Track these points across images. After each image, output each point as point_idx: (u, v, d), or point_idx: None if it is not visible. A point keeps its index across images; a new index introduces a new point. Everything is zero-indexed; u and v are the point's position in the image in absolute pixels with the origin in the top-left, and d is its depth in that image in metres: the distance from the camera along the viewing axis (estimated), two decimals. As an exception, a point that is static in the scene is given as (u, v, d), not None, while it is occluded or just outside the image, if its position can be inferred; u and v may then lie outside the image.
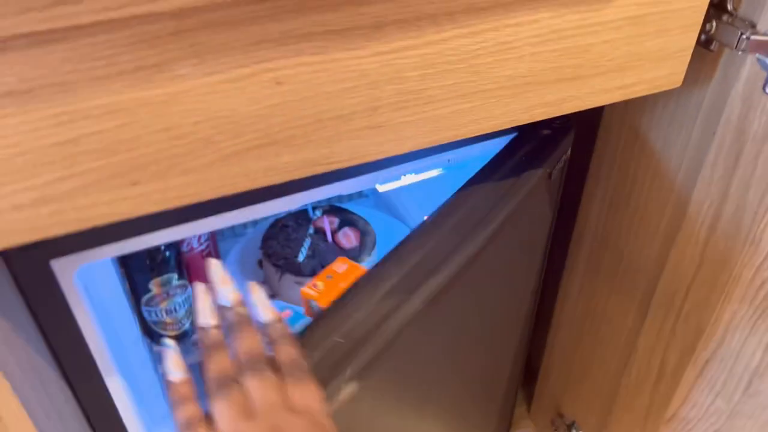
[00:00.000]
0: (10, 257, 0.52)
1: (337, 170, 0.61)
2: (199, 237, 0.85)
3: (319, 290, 0.60)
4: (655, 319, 0.74)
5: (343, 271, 0.70)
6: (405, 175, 0.66)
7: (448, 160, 0.68)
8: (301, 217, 0.94)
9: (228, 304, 0.43)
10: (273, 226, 0.93)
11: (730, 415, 0.69)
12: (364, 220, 0.95)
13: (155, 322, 0.81)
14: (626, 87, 0.55)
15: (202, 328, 0.43)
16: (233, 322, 0.43)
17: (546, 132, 0.68)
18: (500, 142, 0.68)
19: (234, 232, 1.05)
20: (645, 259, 0.74)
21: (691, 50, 0.55)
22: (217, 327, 0.43)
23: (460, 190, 0.61)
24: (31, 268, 0.53)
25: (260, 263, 0.95)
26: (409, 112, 0.47)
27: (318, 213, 0.94)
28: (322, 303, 0.59)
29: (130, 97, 0.38)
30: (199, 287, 0.44)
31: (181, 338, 0.85)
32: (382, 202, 1.10)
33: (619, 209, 0.76)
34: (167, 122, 0.40)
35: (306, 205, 0.94)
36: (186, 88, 0.39)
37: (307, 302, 0.61)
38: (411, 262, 0.56)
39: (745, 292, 0.62)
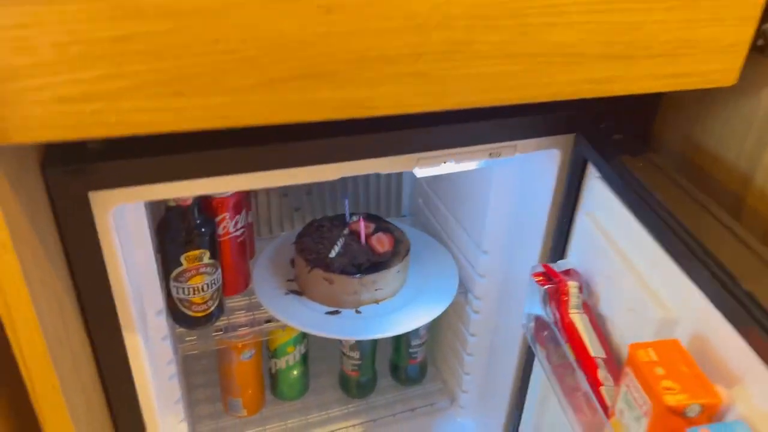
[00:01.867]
0: (50, 182, 0.53)
1: (378, 146, 0.63)
2: (236, 222, 0.86)
3: (678, 389, 0.42)
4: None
5: (662, 357, 0.45)
6: (445, 162, 0.66)
7: (489, 154, 0.67)
8: (337, 219, 0.94)
9: None
10: (309, 225, 0.93)
11: None
12: (400, 230, 0.94)
13: (181, 300, 0.81)
14: (677, 76, 0.54)
15: None
16: None
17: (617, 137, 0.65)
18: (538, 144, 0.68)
19: (270, 232, 1.06)
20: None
21: (747, 46, 0.54)
22: None
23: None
24: (69, 196, 0.55)
25: (292, 262, 0.94)
26: (454, 64, 0.47)
27: (355, 218, 0.94)
28: (706, 398, 0.42)
29: (185, 1, 0.40)
30: None
31: (205, 321, 0.84)
32: (420, 222, 1.09)
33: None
34: (217, 34, 0.41)
35: (345, 208, 0.95)
36: (240, 1, 0.41)
37: (682, 412, 0.41)
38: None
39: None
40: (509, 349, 0.89)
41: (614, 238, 0.59)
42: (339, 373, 1.08)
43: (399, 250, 0.90)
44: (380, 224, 0.94)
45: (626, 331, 0.56)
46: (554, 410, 0.73)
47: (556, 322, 0.60)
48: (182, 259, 0.78)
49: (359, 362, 1.03)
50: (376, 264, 0.87)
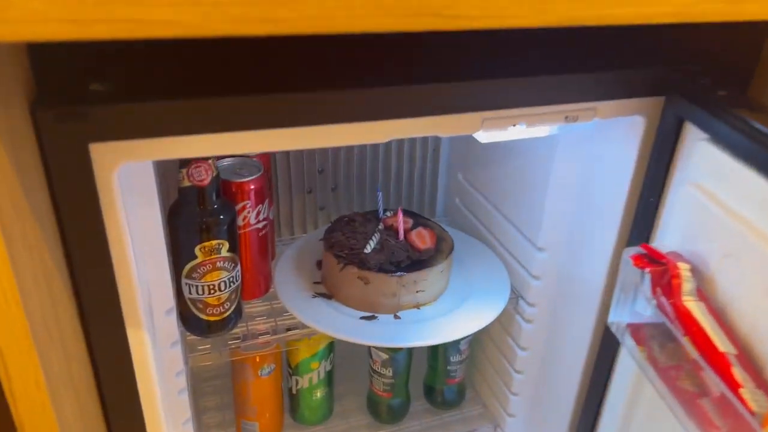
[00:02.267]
0: (43, 128, 0.43)
1: (437, 99, 0.52)
2: (258, 212, 0.75)
3: None
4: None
5: None
6: (514, 125, 0.55)
7: (565, 117, 0.57)
8: (369, 214, 0.83)
9: None
10: (338, 220, 0.82)
11: None
12: (441, 227, 0.83)
13: (194, 301, 0.69)
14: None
15: None
16: None
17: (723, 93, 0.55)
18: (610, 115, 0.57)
19: (292, 234, 0.95)
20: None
21: None
22: None
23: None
24: (66, 147, 0.44)
25: (319, 264, 0.83)
26: (559, -37, 0.37)
27: (389, 213, 0.83)
28: None
29: None
30: None
31: (221, 327, 0.72)
32: (457, 224, 0.98)
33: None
34: None
35: (377, 204, 0.84)
36: None
37: None
38: None
39: None
40: (569, 364, 0.77)
41: (736, 209, 0.48)
42: (368, 394, 0.95)
43: (442, 248, 0.79)
44: (418, 220, 0.83)
45: (762, 319, 0.44)
46: (646, 425, 0.60)
47: (666, 313, 0.48)
48: (197, 250, 0.67)
49: (392, 381, 0.90)
50: (417, 262, 0.76)
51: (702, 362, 0.44)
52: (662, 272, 0.50)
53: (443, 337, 0.73)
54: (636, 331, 0.53)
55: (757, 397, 0.41)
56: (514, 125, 0.56)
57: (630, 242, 0.63)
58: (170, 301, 0.64)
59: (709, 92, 0.54)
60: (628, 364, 0.63)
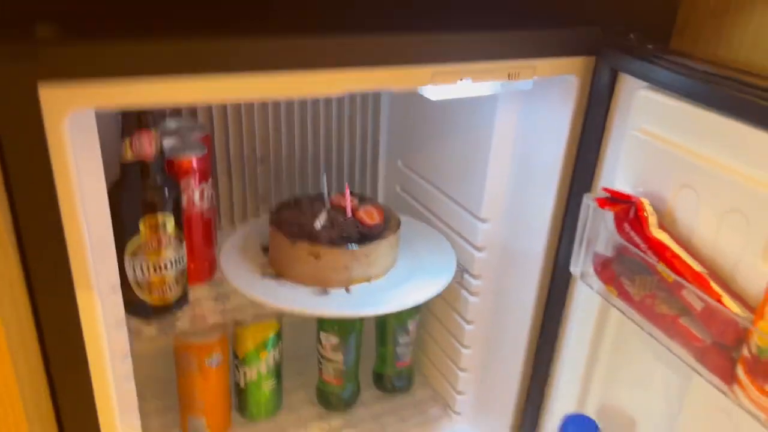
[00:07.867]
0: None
1: (389, 50, 0.54)
2: (202, 191, 0.73)
3: None
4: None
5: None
6: (461, 80, 0.58)
7: (508, 74, 0.60)
8: (315, 197, 0.83)
9: None
10: (285, 202, 0.82)
11: None
12: (388, 207, 0.84)
13: (139, 282, 0.67)
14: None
15: None
16: None
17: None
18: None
19: (232, 227, 0.92)
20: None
21: None
22: None
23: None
24: (11, 88, 0.42)
25: (265, 250, 0.82)
26: None
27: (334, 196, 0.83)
28: None
29: None
30: None
31: (166, 310, 0.69)
32: (399, 210, 1.00)
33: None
34: None
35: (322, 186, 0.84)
36: None
37: None
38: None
39: None
40: (514, 333, 0.80)
41: (683, 144, 0.51)
42: (317, 385, 0.94)
43: (390, 223, 0.80)
44: (364, 199, 0.84)
45: (725, 238, 0.47)
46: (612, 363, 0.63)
47: (637, 246, 0.50)
48: (141, 225, 0.65)
49: (342, 367, 0.89)
50: (368, 236, 0.76)
51: (684, 282, 0.46)
52: (628, 209, 0.52)
53: (395, 306, 0.73)
54: (602, 272, 0.55)
55: (736, 303, 0.44)
56: (461, 80, 0.58)
57: (572, 197, 0.66)
58: (115, 276, 0.61)
59: (640, 46, 0.58)
60: (582, 314, 0.66)
